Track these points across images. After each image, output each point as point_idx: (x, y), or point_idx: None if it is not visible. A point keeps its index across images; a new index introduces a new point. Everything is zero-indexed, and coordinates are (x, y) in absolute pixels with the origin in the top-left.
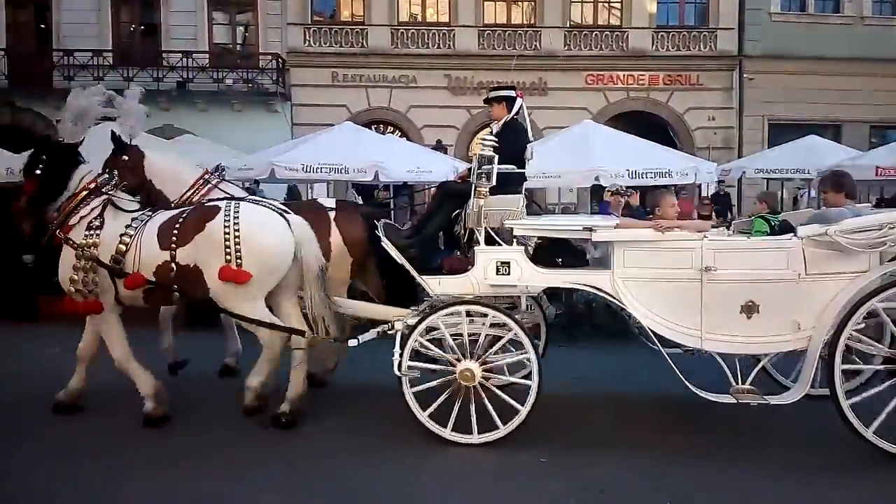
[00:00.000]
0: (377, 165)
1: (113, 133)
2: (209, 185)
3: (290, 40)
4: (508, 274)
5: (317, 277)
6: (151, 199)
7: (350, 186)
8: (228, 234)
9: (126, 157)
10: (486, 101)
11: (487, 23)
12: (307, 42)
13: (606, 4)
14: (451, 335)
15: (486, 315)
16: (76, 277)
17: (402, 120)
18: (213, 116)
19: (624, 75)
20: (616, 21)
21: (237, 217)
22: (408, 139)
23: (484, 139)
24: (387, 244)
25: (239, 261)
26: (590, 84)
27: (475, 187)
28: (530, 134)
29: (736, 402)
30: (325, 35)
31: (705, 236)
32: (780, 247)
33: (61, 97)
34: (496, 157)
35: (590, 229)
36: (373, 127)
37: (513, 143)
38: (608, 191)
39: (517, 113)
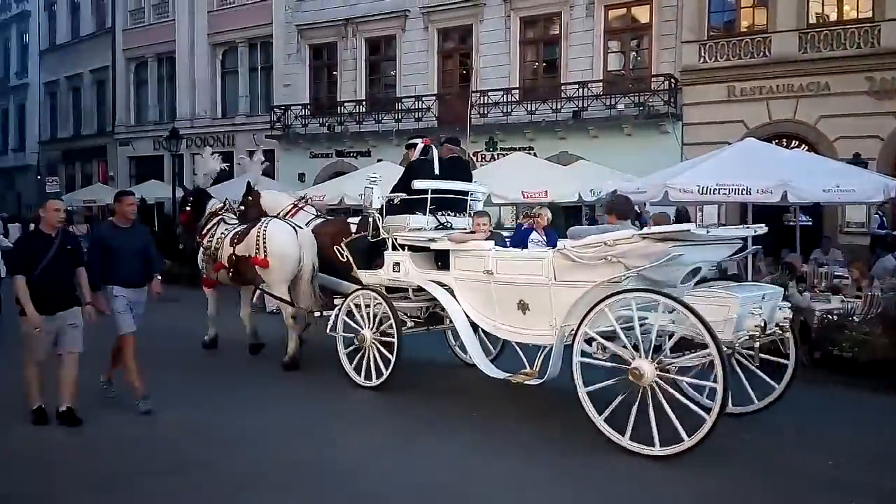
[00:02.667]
0: (785, 185)
1: (248, 183)
2: (296, 208)
3: (683, 58)
4: (399, 272)
5: (309, 270)
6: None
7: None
8: (259, 238)
9: (251, 196)
10: (406, 147)
11: None
12: (702, 58)
13: None
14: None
15: (373, 298)
16: (201, 265)
17: (810, 132)
18: (604, 142)
19: None
20: None
21: (265, 229)
22: (816, 154)
23: (368, 175)
24: (338, 247)
25: (264, 254)
26: None
27: (364, 210)
28: (437, 169)
29: (502, 378)
30: (721, 49)
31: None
32: (538, 258)
33: (478, 133)
34: (374, 188)
35: (432, 240)
36: (773, 142)
37: (404, 179)
38: (524, 214)
39: (423, 155)
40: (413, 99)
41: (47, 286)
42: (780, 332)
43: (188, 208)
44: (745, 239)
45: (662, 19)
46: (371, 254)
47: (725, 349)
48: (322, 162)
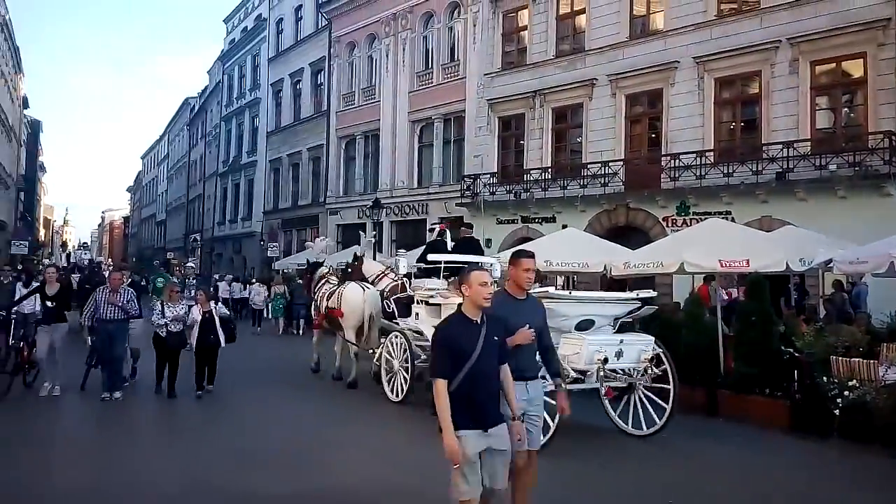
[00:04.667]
0: None
1: (355, 254)
2: (383, 274)
3: None
4: (418, 319)
5: (370, 319)
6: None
7: None
8: (339, 297)
9: (356, 262)
10: (429, 230)
11: None
12: None
13: None
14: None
15: (398, 337)
16: (313, 313)
17: None
18: (813, 205)
19: None
20: None
21: (344, 289)
22: None
23: (398, 252)
24: (386, 301)
25: (340, 308)
26: None
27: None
28: (449, 246)
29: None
30: None
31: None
32: None
33: (668, 197)
34: (402, 260)
35: (431, 296)
36: None
37: (423, 254)
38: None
39: (439, 236)
40: (599, 165)
41: (477, 391)
42: (645, 368)
43: (307, 275)
44: (647, 300)
45: (878, 73)
46: (408, 307)
47: (575, 374)
48: (508, 228)
